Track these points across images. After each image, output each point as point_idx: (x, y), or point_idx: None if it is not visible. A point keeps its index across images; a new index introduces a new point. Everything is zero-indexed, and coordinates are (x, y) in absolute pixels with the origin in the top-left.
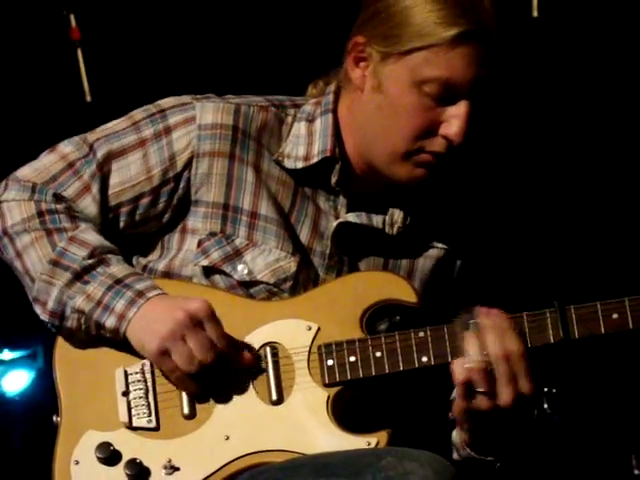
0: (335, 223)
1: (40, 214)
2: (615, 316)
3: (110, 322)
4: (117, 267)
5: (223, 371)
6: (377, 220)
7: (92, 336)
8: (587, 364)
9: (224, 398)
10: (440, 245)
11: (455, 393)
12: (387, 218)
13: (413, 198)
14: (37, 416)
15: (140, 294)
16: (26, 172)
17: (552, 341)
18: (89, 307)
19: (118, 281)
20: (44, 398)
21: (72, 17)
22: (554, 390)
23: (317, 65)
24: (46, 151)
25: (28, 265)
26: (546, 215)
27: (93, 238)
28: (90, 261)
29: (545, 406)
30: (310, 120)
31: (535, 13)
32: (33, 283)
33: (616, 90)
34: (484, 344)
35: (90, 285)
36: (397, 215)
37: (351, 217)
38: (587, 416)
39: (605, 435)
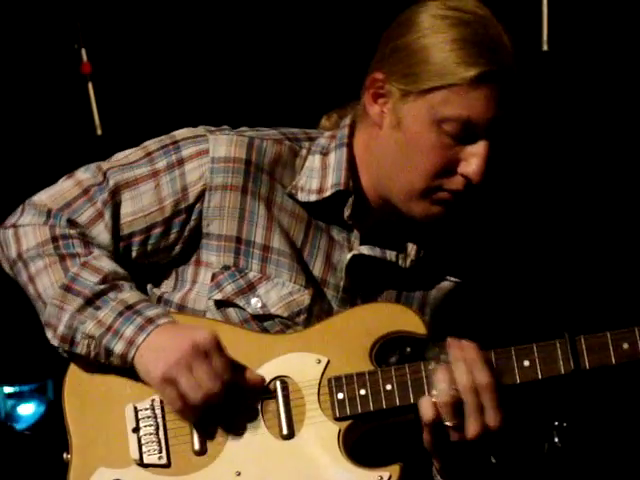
0: (349, 255)
1: (54, 239)
2: (626, 346)
3: (119, 348)
4: (129, 293)
5: (232, 406)
6: (390, 254)
7: (102, 364)
8: (597, 396)
9: (235, 433)
10: (452, 278)
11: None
12: (400, 252)
13: (426, 232)
14: (47, 451)
15: (150, 321)
16: (42, 197)
17: (562, 372)
18: (99, 332)
19: (129, 307)
20: (55, 432)
21: (83, 51)
22: (565, 424)
23: (330, 97)
24: (64, 177)
25: (40, 290)
26: (555, 247)
27: (106, 264)
28: (102, 287)
29: (556, 440)
30: (324, 153)
31: (545, 47)
32: (45, 308)
33: (626, 123)
34: (453, 377)
35: (101, 311)
36: (410, 248)
37: (365, 250)
38: (598, 449)
39: (616, 468)
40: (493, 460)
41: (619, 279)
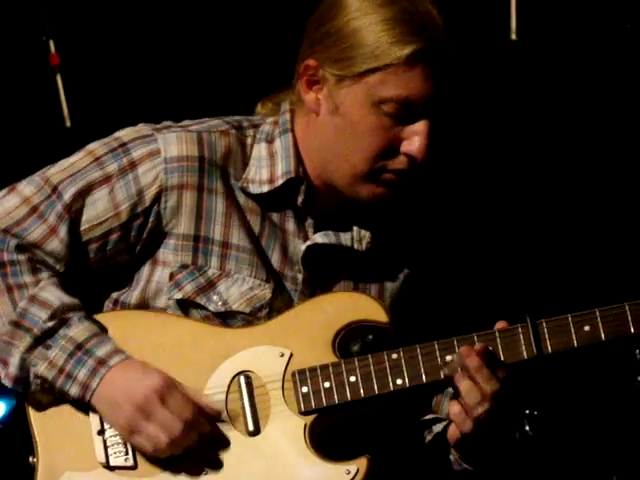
0: (303, 247)
1: (2, 265)
2: (587, 328)
3: (74, 391)
4: (77, 329)
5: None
6: (345, 238)
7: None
8: (568, 385)
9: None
10: (409, 262)
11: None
12: (354, 235)
13: (379, 214)
14: (21, 445)
15: (101, 362)
16: None
17: (525, 357)
18: (52, 375)
19: (79, 346)
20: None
21: (51, 43)
22: (535, 412)
23: (261, 83)
24: (4, 191)
25: None
26: (514, 227)
27: (53, 297)
28: (51, 324)
29: (527, 428)
30: (269, 141)
31: (514, 36)
32: None
33: (594, 112)
34: (479, 392)
35: (52, 350)
36: (364, 232)
37: (319, 238)
38: (569, 437)
39: (587, 456)
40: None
41: (579, 259)
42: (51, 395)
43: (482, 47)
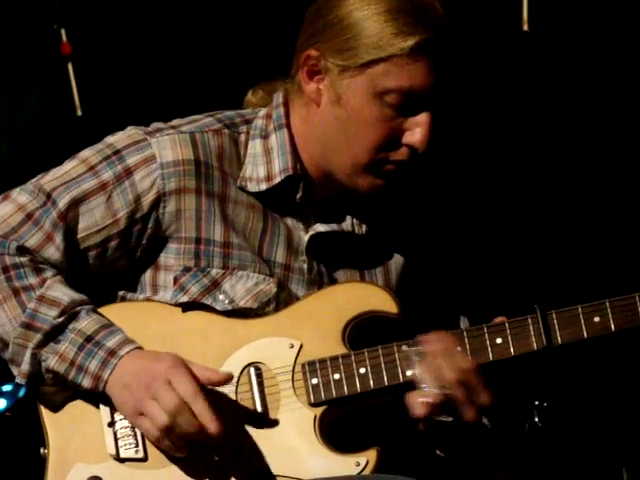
0: (307, 237)
1: (5, 269)
2: (597, 319)
3: (86, 383)
4: (86, 321)
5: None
6: (346, 224)
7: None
8: (578, 376)
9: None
10: (412, 245)
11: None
12: (355, 220)
13: (378, 200)
14: (29, 433)
15: (112, 353)
16: None
17: (535, 348)
18: (63, 368)
19: (88, 339)
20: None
21: (63, 31)
22: (545, 404)
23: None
24: None
25: None
26: (524, 216)
27: (62, 294)
28: (61, 319)
29: (536, 419)
30: (264, 136)
31: (525, 27)
32: (6, 346)
33: (605, 103)
34: (436, 373)
35: (61, 344)
36: (364, 215)
37: (320, 227)
38: (578, 429)
39: (597, 448)
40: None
41: (588, 250)
42: (63, 389)
43: (493, 38)
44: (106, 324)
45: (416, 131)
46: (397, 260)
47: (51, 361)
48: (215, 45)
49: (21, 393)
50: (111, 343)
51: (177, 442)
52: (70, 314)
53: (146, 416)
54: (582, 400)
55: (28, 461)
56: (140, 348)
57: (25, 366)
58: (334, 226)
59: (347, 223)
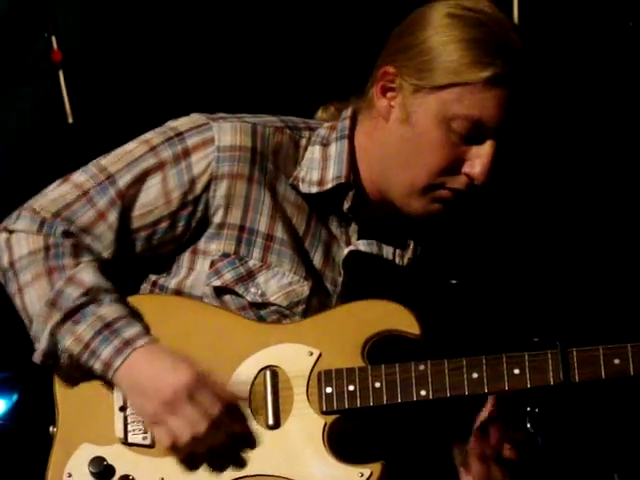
0: (346, 250)
1: (46, 248)
2: (617, 361)
3: (97, 367)
4: (108, 308)
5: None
6: (387, 251)
7: (83, 372)
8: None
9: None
10: (449, 279)
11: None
12: (398, 249)
13: (425, 229)
14: (25, 439)
15: (127, 343)
16: (41, 202)
17: (552, 383)
18: (77, 349)
19: (107, 325)
20: (29, 421)
21: (53, 39)
22: (537, 410)
23: (323, 91)
24: (59, 180)
25: (27, 303)
26: (554, 255)
27: (89, 278)
28: (82, 299)
29: (528, 426)
30: (325, 144)
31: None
32: (31, 323)
33: (596, 102)
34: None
35: (80, 325)
36: (408, 246)
37: (362, 246)
38: (570, 435)
39: (588, 453)
40: None
41: (615, 292)
42: (78, 369)
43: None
44: (126, 314)
45: (477, 162)
46: (430, 298)
47: (67, 341)
48: (205, 52)
49: (12, 401)
50: (128, 334)
51: (193, 450)
52: (93, 297)
53: (164, 428)
54: (574, 406)
55: (37, 440)
56: (156, 343)
57: (43, 343)
58: (375, 249)
59: (389, 250)
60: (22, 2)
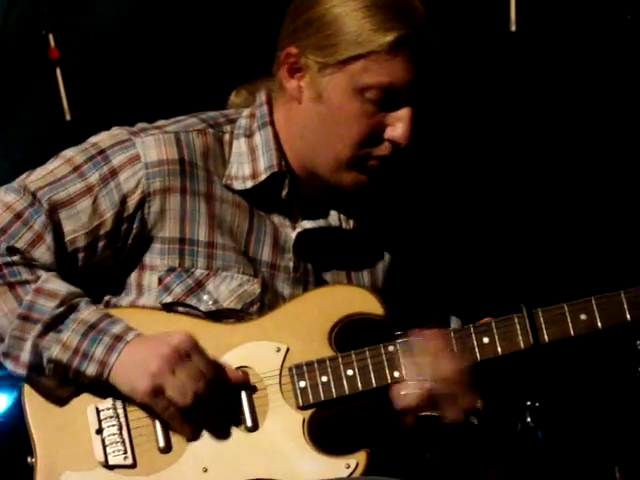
0: (294, 234)
1: None
2: (583, 317)
3: (91, 370)
4: (87, 311)
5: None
6: (333, 219)
7: (66, 382)
8: (569, 376)
9: (199, 428)
10: (399, 243)
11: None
12: (342, 215)
13: (364, 196)
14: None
15: (118, 338)
16: None
17: (522, 347)
18: (67, 357)
19: (92, 326)
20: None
21: (51, 37)
22: (537, 404)
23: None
24: None
25: None
26: (509, 213)
27: (59, 287)
28: (60, 310)
29: (528, 420)
30: (248, 135)
31: (513, 28)
32: (1, 340)
33: (593, 103)
34: (421, 368)
35: (64, 333)
36: (351, 211)
37: (307, 224)
38: (570, 429)
39: (589, 447)
40: (474, 422)
41: (574, 248)
42: (64, 381)
43: (481, 39)
44: (107, 314)
45: (397, 126)
46: (384, 259)
47: (54, 350)
48: (202, 48)
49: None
50: (116, 330)
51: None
52: (70, 305)
53: (165, 392)
54: (574, 400)
55: (15, 471)
56: (142, 335)
57: (25, 356)
58: (321, 222)
59: (334, 219)
60: (20, 1)
